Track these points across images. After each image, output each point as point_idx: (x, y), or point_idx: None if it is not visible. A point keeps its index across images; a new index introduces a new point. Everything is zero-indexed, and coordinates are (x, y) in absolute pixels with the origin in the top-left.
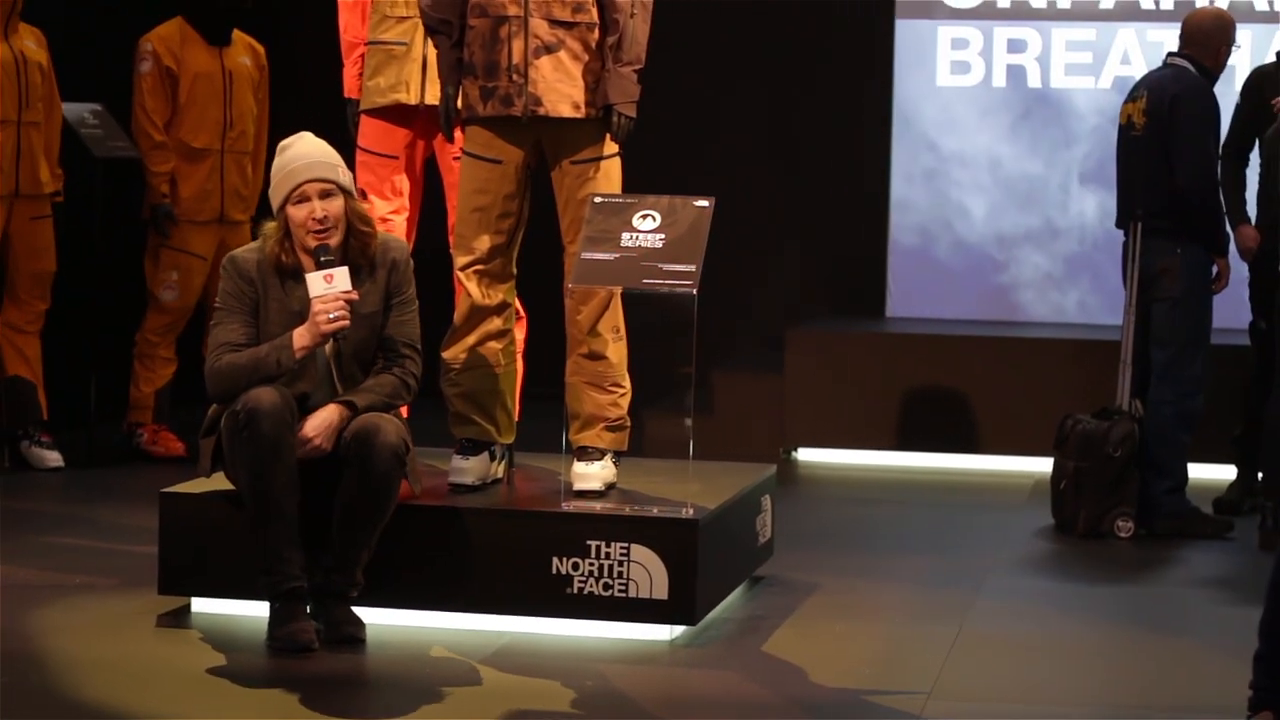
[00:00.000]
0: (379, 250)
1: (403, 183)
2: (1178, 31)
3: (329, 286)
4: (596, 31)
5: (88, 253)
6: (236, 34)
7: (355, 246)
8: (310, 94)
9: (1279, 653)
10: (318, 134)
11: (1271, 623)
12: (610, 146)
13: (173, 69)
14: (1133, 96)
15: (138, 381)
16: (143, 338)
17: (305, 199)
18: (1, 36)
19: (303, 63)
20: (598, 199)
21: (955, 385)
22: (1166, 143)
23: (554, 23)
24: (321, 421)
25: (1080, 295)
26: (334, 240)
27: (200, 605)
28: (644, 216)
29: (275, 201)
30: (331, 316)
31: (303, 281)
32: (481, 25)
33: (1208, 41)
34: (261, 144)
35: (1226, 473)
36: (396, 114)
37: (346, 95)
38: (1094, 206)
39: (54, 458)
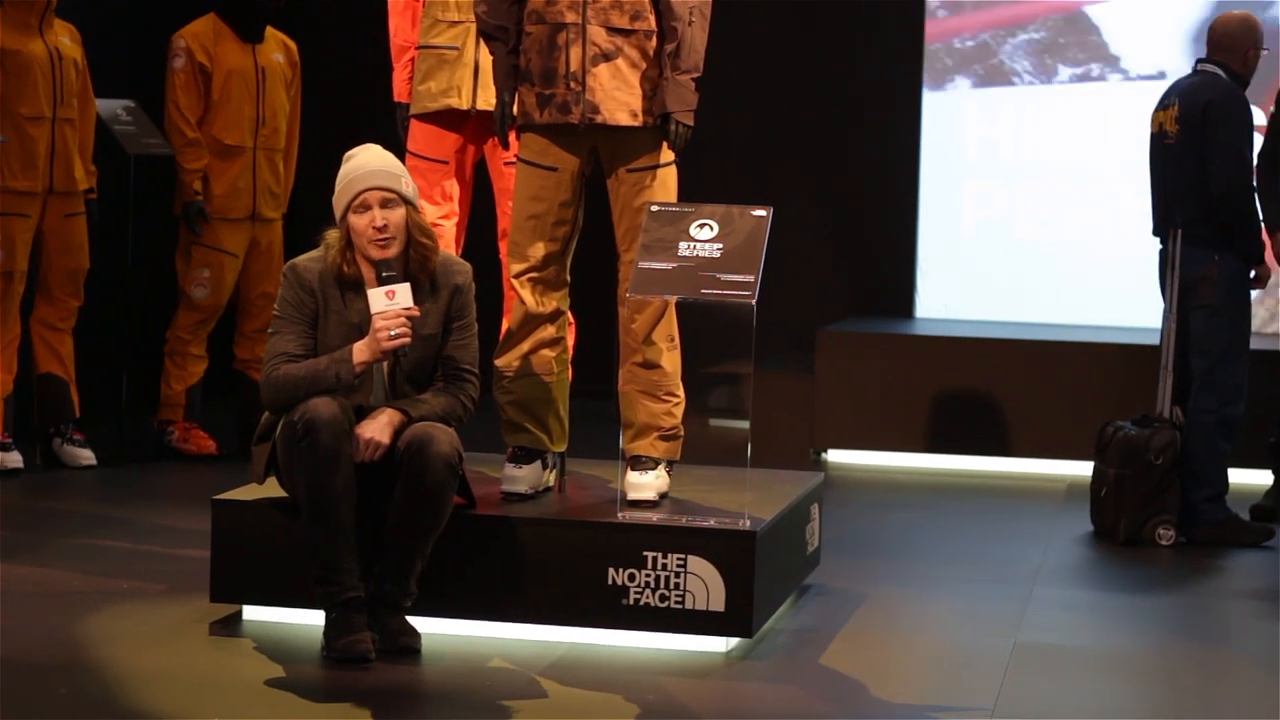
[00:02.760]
0: (441, 271)
1: (453, 188)
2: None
3: (390, 303)
4: (654, 39)
5: (120, 250)
6: (269, 30)
7: (415, 259)
8: (344, 91)
9: None
10: (361, 136)
11: None
12: (667, 155)
13: (206, 65)
14: (1164, 104)
15: (169, 379)
16: (174, 335)
17: (366, 207)
18: (37, 32)
19: (340, 62)
20: (655, 207)
21: (985, 387)
22: (1201, 150)
23: (612, 30)
24: (377, 424)
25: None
26: (394, 250)
27: (252, 613)
28: (701, 225)
29: (338, 210)
30: (393, 334)
31: (363, 293)
32: (539, 32)
33: (1235, 46)
34: (293, 141)
35: (1262, 478)
36: (447, 119)
37: (396, 99)
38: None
39: (86, 456)
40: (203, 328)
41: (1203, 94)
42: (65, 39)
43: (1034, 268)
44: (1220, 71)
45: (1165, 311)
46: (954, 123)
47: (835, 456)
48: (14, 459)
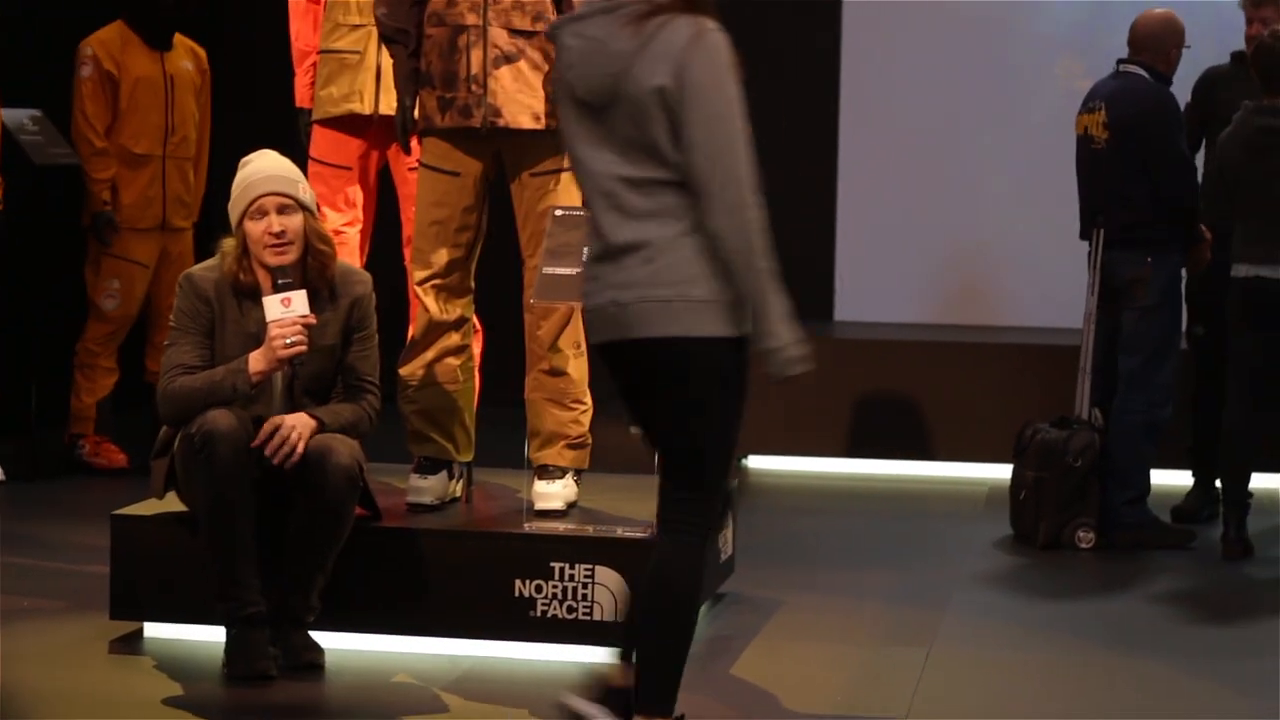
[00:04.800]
0: (341, 281)
1: (356, 194)
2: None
3: (286, 310)
4: None
5: (27, 261)
6: (178, 38)
7: (314, 266)
8: (255, 99)
9: None
10: (262, 141)
11: None
12: None
13: (113, 73)
14: (1088, 108)
15: (79, 392)
16: (84, 347)
17: (263, 213)
18: None
19: (247, 67)
20: (558, 212)
21: (906, 391)
22: (1138, 157)
23: (514, 32)
24: (300, 422)
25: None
26: (291, 257)
27: (153, 630)
28: None
29: (233, 216)
30: (288, 341)
31: (260, 302)
32: (439, 34)
33: (1159, 46)
34: (204, 150)
35: (1183, 480)
36: (350, 124)
37: (298, 105)
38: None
39: None
40: (113, 340)
41: (1132, 104)
42: None
43: (953, 269)
44: (1144, 72)
45: (1086, 313)
46: (873, 121)
47: (755, 462)
48: None
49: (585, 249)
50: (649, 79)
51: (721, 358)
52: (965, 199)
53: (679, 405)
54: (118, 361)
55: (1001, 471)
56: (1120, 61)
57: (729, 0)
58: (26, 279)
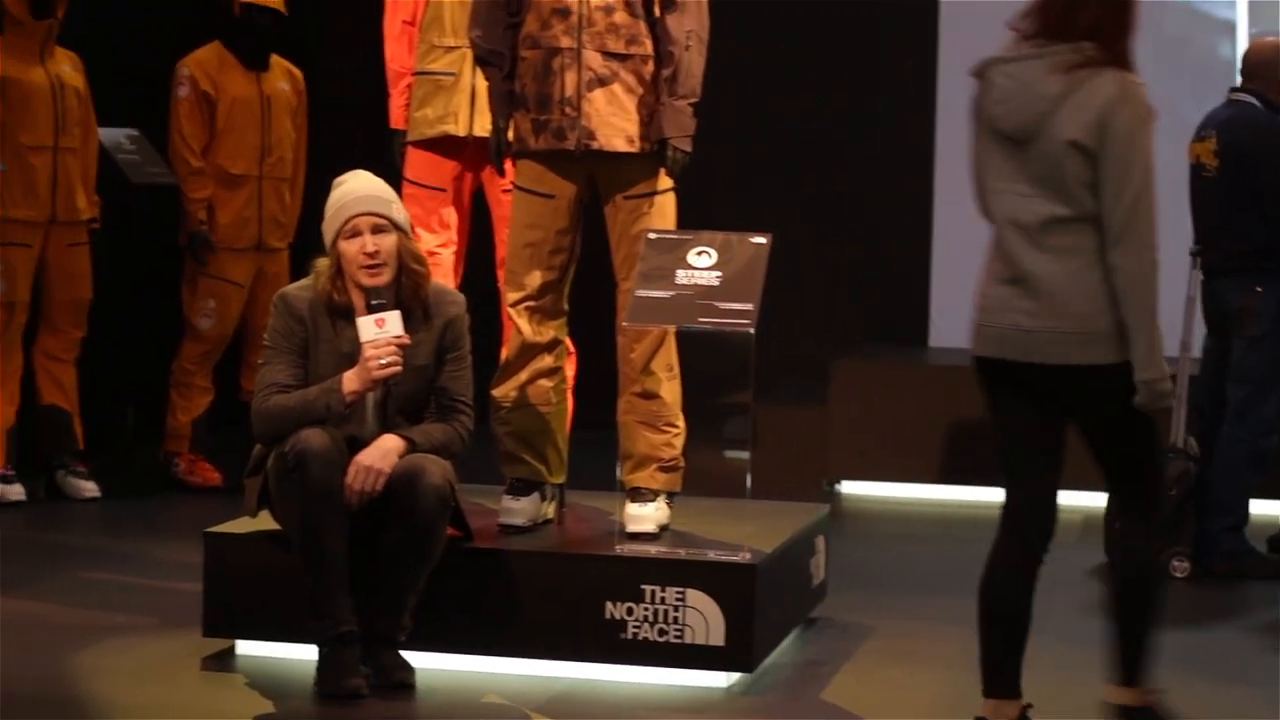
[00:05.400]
0: (435, 301)
1: (450, 216)
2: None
3: (380, 331)
4: (651, 64)
5: (124, 280)
6: (274, 59)
7: (407, 286)
8: (350, 121)
9: None
10: (357, 162)
11: None
12: (665, 181)
13: (210, 94)
14: (1200, 136)
15: (174, 411)
16: (179, 366)
17: (357, 233)
18: (38, 61)
19: (342, 89)
20: (652, 235)
21: None
22: (1247, 185)
23: (608, 55)
24: (378, 452)
25: None
26: (385, 278)
27: (245, 648)
28: (699, 253)
29: (328, 237)
30: (383, 362)
31: (354, 322)
32: (533, 57)
33: (1271, 74)
34: (300, 170)
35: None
36: (444, 146)
37: (392, 126)
38: None
39: (90, 488)
40: (208, 359)
41: (1242, 131)
42: (67, 67)
43: None
44: (1255, 101)
45: (1182, 340)
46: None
47: (849, 488)
48: (16, 491)
49: (679, 272)
50: (1068, 129)
51: (1117, 379)
52: None
53: (1100, 422)
54: (213, 381)
55: (1096, 499)
56: (1232, 90)
57: (826, 26)
58: (123, 298)
